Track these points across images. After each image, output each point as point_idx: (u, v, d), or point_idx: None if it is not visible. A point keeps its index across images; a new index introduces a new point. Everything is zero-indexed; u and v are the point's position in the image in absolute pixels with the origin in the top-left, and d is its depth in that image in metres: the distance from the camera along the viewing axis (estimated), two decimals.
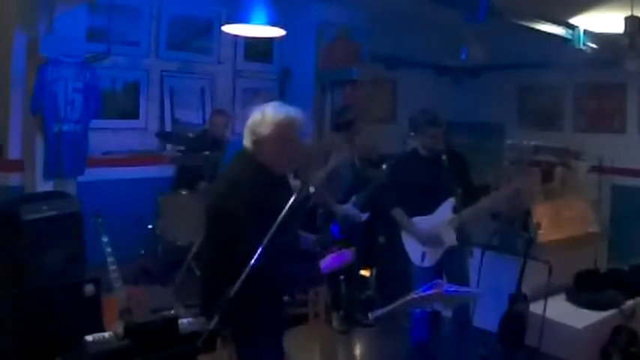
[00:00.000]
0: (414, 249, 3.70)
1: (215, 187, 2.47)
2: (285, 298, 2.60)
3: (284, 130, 2.30)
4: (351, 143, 4.69)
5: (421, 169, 3.66)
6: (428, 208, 3.65)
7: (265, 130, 2.28)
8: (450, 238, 3.58)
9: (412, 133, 4.34)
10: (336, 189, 4.58)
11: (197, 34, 5.73)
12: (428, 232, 3.61)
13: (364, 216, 4.56)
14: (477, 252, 4.14)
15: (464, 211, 3.55)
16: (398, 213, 3.71)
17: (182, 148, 5.27)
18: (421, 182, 3.63)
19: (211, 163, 4.72)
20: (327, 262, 2.30)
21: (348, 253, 2.36)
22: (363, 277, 4.98)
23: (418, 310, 3.63)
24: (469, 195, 3.62)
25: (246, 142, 2.35)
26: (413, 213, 3.68)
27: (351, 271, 4.66)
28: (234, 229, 2.17)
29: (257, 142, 2.30)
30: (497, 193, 3.78)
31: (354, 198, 4.56)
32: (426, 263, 3.63)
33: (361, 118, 4.86)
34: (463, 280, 3.59)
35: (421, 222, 3.66)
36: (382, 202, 3.94)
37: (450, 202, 3.58)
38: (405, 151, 5.02)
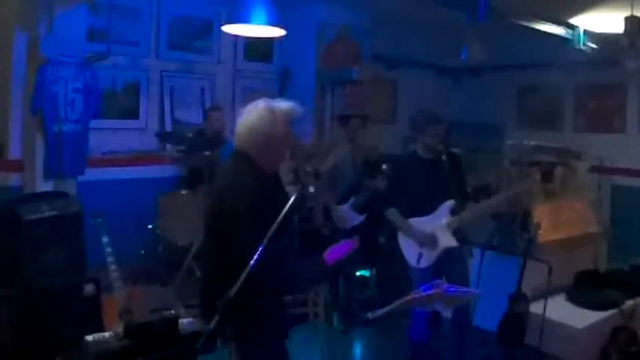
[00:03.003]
0: (410, 250, 3.69)
1: (213, 189, 2.46)
2: (289, 297, 2.60)
3: (275, 125, 2.28)
4: (350, 140, 4.69)
5: (420, 171, 3.65)
6: (426, 210, 3.64)
7: (255, 127, 2.26)
8: (447, 240, 3.57)
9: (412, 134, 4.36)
10: (336, 189, 4.58)
11: (197, 34, 5.73)
12: (423, 231, 3.60)
13: (360, 218, 4.56)
14: (476, 252, 4.14)
15: (463, 214, 3.55)
16: (392, 214, 3.69)
17: (182, 148, 5.27)
18: (420, 183, 3.62)
19: (211, 162, 4.72)
20: (329, 255, 2.29)
21: (349, 243, 2.35)
22: (363, 277, 4.99)
23: (418, 310, 3.63)
24: (463, 197, 3.62)
25: (237, 142, 2.32)
26: (411, 214, 3.67)
27: (350, 270, 4.68)
28: (233, 231, 2.17)
29: (248, 141, 2.27)
30: (498, 196, 3.76)
31: (352, 199, 4.56)
32: (423, 264, 3.62)
33: (361, 116, 4.87)
34: (463, 281, 3.58)
35: (418, 223, 3.65)
36: (379, 203, 3.93)
37: (449, 204, 3.57)
38: (405, 152, 5.03)
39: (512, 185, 3.93)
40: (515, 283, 3.85)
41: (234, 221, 2.17)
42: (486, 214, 4.00)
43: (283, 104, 2.33)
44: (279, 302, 2.41)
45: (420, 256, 3.61)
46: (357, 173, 4.65)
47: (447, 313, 3.84)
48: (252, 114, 2.31)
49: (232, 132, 5.35)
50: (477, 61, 5.61)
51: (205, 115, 5.38)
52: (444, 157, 3.59)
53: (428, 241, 3.58)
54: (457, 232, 3.59)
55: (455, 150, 3.88)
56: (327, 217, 4.55)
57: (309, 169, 4.16)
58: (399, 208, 3.68)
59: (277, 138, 2.28)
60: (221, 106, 5.54)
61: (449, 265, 3.67)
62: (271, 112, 2.29)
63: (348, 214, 4.55)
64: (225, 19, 4.13)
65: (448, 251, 3.59)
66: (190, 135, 5.22)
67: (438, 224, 3.57)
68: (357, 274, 4.93)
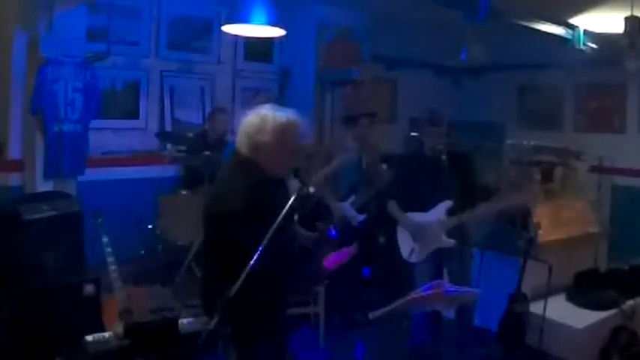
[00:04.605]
0: (404, 244, 3.75)
1: (212, 190, 2.45)
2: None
3: (285, 136, 2.26)
4: (362, 142, 4.68)
5: (422, 169, 3.67)
6: (423, 207, 3.67)
7: (266, 136, 2.23)
8: (439, 240, 3.58)
9: (412, 133, 4.36)
10: (335, 187, 4.59)
11: (197, 34, 5.73)
12: (415, 222, 3.66)
13: (360, 217, 4.55)
14: (476, 252, 4.14)
15: (460, 215, 3.57)
16: (392, 206, 3.76)
17: (183, 148, 5.27)
18: (421, 182, 3.64)
19: (211, 163, 4.72)
20: (330, 261, 2.31)
21: (349, 250, 2.37)
22: (363, 277, 4.98)
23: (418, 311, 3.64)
24: (464, 198, 3.63)
25: (242, 146, 2.29)
26: (410, 211, 3.70)
27: (351, 270, 4.68)
28: (232, 232, 2.17)
29: (256, 148, 2.25)
30: (498, 204, 3.72)
31: (353, 197, 4.56)
32: (413, 259, 3.68)
33: (368, 114, 4.87)
34: (464, 282, 3.59)
35: (414, 218, 3.68)
36: (382, 198, 3.97)
37: (446, 203, 3.58)
38: (410, 150, 5.02)
39: (514, 195, 3.90)
40: (515, 283, 3.85)
41: (233, 221, 2.17)
42: (484, 219, 3.97)
43: (281, 114, 2.28)
44: (281, 302, 2.41)
45: (412, 250, 3.67)
46: (362, 173, 4.64)
47: (450, 314, 3.85)
48: (248, 118, 2.30)
49: (232, 132, 5.39)
50: (477, 61, 5.61)
51: (209, 116, 5.37)
52: (443, 157, 3.60)
53: (421, 234, 3.62)
54: (457, 233, 3.59)
55: (459, 149, 3.86)
56: (328, 219, 4.54)
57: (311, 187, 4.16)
58: (401, 204, 3.71)
59: (266, 145, 2.24)
60: (225, 107, 5.53)
61: (451, 266, 3.69)
62: (263, 119, 2.26)
63: (348, 213, 4.54)
64: (225, 19, 4.13)
65: (450, 251, 3.60)
66: (191, 135, 5.22)
67: (432, 222, 3.59)
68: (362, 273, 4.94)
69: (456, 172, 3.62)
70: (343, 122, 4.94)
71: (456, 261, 3.68)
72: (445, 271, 3.74)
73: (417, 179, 3.68)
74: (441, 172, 3.59)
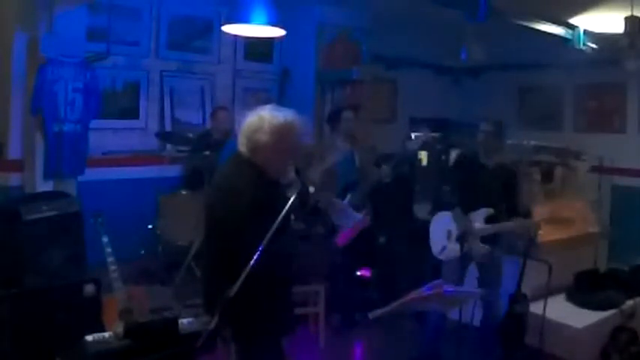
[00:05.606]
0: (436, 241, 3.84)
1: (213, 189, 2.46)
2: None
3: (283, 136, 2.27)
4: (351, 140, 4.68)
5: (474, 174, 3.84)
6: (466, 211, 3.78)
7: (263, 136, 2.25)
8: (475, 245, 3.66)
9: (413, 134, 4.42)
10: (332, 186, 4.58)
11: (197, 34, 5.73)
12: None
13: (359, 216, 4.55)
14: None
15: (494, 225, 3.69)
16: (456, 212, 3.82)
17: (183, 148, 5.27)
18: (472, 186, 3.80)
19: (212, 163, 4.72)
20: (341, 237, 2.32)
21: (362, 219, 2.37)
22: (363, 277, 4.99)
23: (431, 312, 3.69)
24: (508, 209, 3.76)
25: (242, 146, 2.31)
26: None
27: (351, 270, 4.68)
28: (232, 232, 2.17)
29: (255, 148, 2.27)
30: (514, 225, 3.79)
31: (349, 196, 4.55)
32: (443, 257, 3.78)
33: (351, 108, 4.87)
34: (491, 288, 3.68)
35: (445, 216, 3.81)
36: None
37: (486, 211, 3.70)
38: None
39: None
40: (515, 283, 3.85)
41: (234, 221, 2.17)
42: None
43: (279, 114, 2.29)
44: (282, 301, 2.41)
45: (444, 248, 3.77)
46: (356, 171, 4.63)
47: (477, 320, 3.88)
48: (248, 118, 2.32)
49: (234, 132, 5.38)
50: (477, 61, 5.61)
51: (212, 114, 5.37)
52: (494, 166, 3.75)
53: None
54: (490, 239, 3.68)
55: (507, 164, 3.94)
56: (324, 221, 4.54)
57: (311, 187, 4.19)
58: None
59: (263, 145, 2.25)
60: (227, 106, 5.53)
61: (480, 270, 3.74)
62: (260, 119, 2.28)
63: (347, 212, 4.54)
64: (225, 19, 4.12)
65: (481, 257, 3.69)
66: (191, 135, 5.22)
67: (471, 227, 3.67)
68: (357, 274, 4.93)
69: (502, 183, 3.74)
70: (328, 122, 4.94)
71: (486, 266, 3.73)
72: (477, 277, 3.80)
73: (469, 183, 3.82)
74: (483, 179, 3.73)
